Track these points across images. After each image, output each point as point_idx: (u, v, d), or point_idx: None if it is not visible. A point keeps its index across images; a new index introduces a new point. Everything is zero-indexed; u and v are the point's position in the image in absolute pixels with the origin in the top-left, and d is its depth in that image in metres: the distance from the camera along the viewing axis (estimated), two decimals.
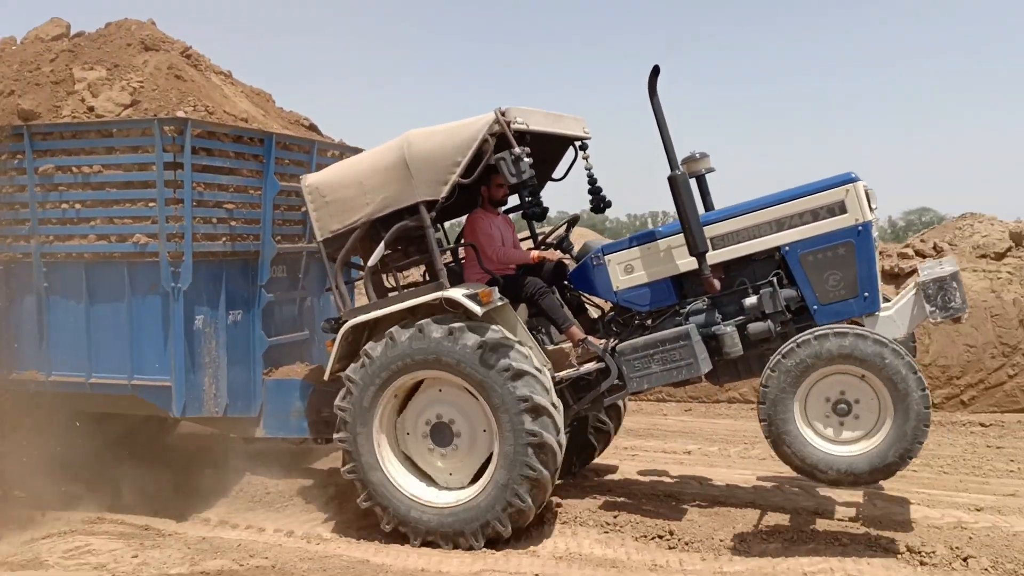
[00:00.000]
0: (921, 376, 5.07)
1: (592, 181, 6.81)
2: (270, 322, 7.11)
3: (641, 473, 7.51)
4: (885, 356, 5.07)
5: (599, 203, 6.78)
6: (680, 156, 5.97)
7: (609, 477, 7.45)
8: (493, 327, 5.78)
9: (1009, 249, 10.31)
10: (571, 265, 6.69)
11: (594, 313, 6.80)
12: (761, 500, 6.56)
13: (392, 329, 5.92)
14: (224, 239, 6.55)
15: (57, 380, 6.62)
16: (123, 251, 6.36)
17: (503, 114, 5.74)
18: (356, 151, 8.25)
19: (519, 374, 5.63)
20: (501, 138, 5.75)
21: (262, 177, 6.87)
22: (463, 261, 6.75)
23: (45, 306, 6.60)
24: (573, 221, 6.90)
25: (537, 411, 5.61)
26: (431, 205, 5.93)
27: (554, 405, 5.70)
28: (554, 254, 6.53)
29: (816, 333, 5.27)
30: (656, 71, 5.74)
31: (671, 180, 5.76)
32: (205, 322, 6.47)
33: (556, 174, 7.20)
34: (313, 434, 7.05)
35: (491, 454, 5.90)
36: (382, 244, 6.17)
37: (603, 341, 6.17)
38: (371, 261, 6.20)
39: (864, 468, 5.23)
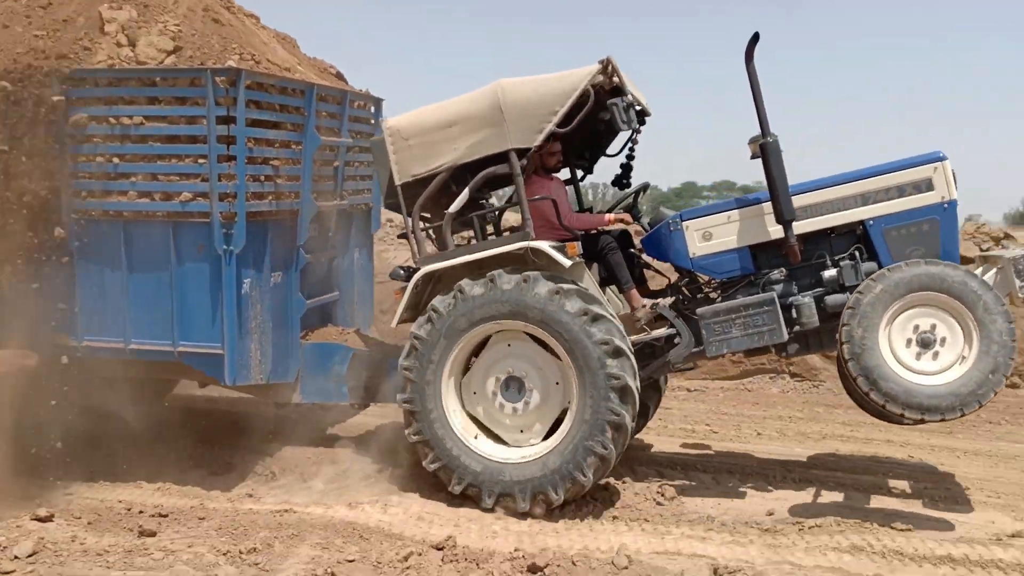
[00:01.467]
0: (1007, 308, 5.25)
1: (632, 156, 6.86)
2: (304, 284, 6.84)
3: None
4: (962, 280, 5.27)
5: (626, 178, 6.84)
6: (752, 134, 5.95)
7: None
8: (566, 276, 5.79)
9: None
10: (636, 236, 6.66)
11: (653, 286, 6.79)
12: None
13: (461, 283, 5.86)
14: (270, 198, 6.22)
15: (91, 345, 6.21)
16: (169, 210, 5.95)
17: (608, 65, 5.75)
18: (379, 101, 7.95)
19: (597, 317, 5.67)
20: (604, 90, 5.83)
21: (302, 131, 6.51)
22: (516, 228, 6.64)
23: (76, 267, 6.14)
24: (643, 188, 6.81)
25: (617, 353, 5.64)
26: (521, 154, 5.87)
27: (631, 350, 5.74)
28: (627, 217, 6.44)
29: (890, 267, 5.49)
30: (755, 38, 5.71)
31: (763, 147, 5.77)
32: (252, 285, 6.17)
33: (611, 149, 7.14)
34: (353, 399, 6.94)
35: (564, 409, 5.90)
36: (466, 191, 6.11)
37: (662, 305, 6.17)
38: (453, 207, 6.11)
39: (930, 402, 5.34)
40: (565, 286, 5.69)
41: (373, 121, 7.88)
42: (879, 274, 5.47)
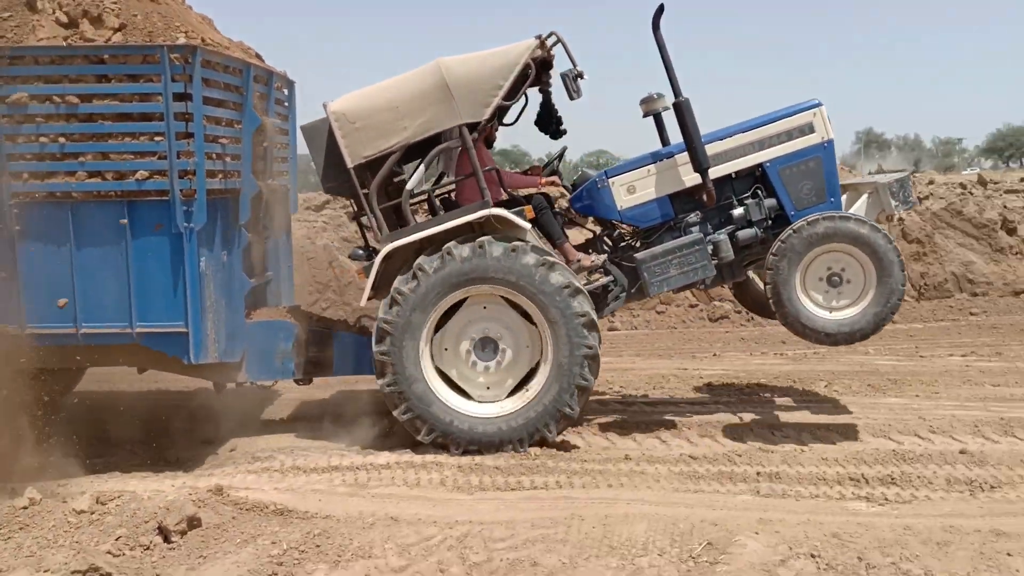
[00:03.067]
0: (896, 247, 6.28)
1: (548, 106, 7.20)
2: (244, 264, 6.92)
3: None
4: (866, 232, 6.20)
5: (557, 127, 7.23)
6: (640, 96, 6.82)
7: None
8: (545, 247, 6.28)
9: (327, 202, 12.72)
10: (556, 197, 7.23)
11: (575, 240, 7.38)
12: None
13: (449, 244, 6.25)
14: (220, 176, 6.30)
15: (36, 333, 6.05)
16: (123, 189, 5.91)
17: (545, 40, 6.32)
18: (292, 83, 8.07)
19: (576, 291, 6.22)
20: (539, 63, 6.39)
21: (241, 111, 6.60)
22: (447, 196, 7.05)
23: (18, 252, 5.96)
24: (562, 153, 7.38)
25: (592, 325, 6.22)
26: (472, 127, 6.28)
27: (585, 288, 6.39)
28: (556, 179, 7.00)
29: (808, 219, 6.30)
30: (661, 8, 6.48)
31: (677, 106, 6.55)
32: (206, 264, 6.23)
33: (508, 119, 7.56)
34: (299, 375, 7.09)
35: (530, 369, 6.43)
36: (422, 167, 6.52)
37: (598, 256, 6.82)
38: (411, 184, 6.46)
39: (847, 331, 6.32)
40: (548, 259, 6.23)
41: (287, 104, 7.98)
42: (797, 225, 6.30)
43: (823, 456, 6.03)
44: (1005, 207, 12.94)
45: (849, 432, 6.60)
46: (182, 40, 5.99)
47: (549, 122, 7.24)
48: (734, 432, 6.73)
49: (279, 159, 7.74)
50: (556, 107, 7.19)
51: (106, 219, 6.00)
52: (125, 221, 5.95)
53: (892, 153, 57.49)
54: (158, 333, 6.12)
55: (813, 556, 4.37)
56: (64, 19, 5.96)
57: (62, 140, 5.87)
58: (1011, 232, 12.64)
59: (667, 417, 7.17)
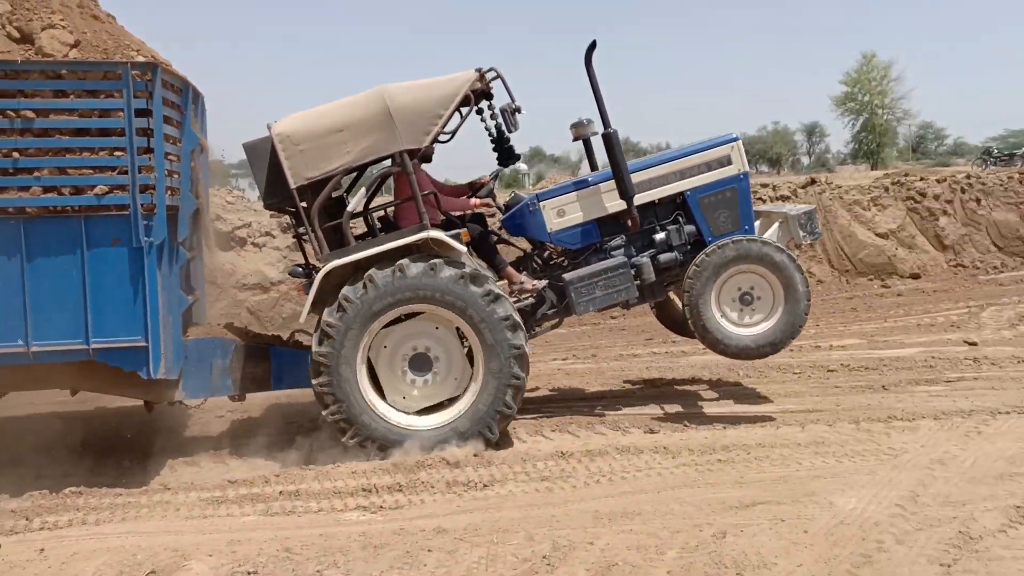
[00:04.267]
0: (801, 268, 7.15)
1: (500, 133, 7.58)
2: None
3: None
4: (772, 253, 7.01)
5: (509, 155, 7.67)
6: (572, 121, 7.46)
7: None
8: (489, 276, 6.72)
9: None
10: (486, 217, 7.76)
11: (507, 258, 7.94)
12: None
13: (370, 271, 6.55)
14: (169, 192, 6.43)
15: None
16: (81, 204, 5.94)
17: (485, 74, 6.76)
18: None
19: (497, 297, 6.65)
20: (478, 94, 6.81)
21: (181, 129, 6.77)
22: (385, 215, 7.45)
23: None
24: (496, 175, 7.91)
25: (516, 327, 6.68)
26: (412, 154, 6.68)
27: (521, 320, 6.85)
28: (490, 201, 7.52)
29: (719, 244, 7.06)
30: (593, 45, 7.14)
31: (606, 136, 7.21)
32: (160, 279, 6.32)
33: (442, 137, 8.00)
34: (237, 391, 7.22)
35: (454, 396, 6.79)
36: (363, 190, 6.81)
37: (535, 280, 7.37)
38: (352, 206, 6.77)
39: (761, 344, 7.08)
40: (467, 271, 6.56)
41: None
42: (711, 249, 7.03)
43: (353, 471, 6.27)
44: None
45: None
46: (139, 58, 6.12)
47: (502, 150, 7.59)
48: (276, 455, 6.95)
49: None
50: (508, 135, 7.49)
51: (61, 234, 5.99)
52: (119, 240, 5.98)
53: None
54: (116, 348, 6.14)
55: (250, 573, 4.56)
56: (16, 34, 5.93)
57: (16, 155, 5.83)
58: None
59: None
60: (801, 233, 7.42)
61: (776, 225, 7.64)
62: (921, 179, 16.13)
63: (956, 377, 8.26)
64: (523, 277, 7.37)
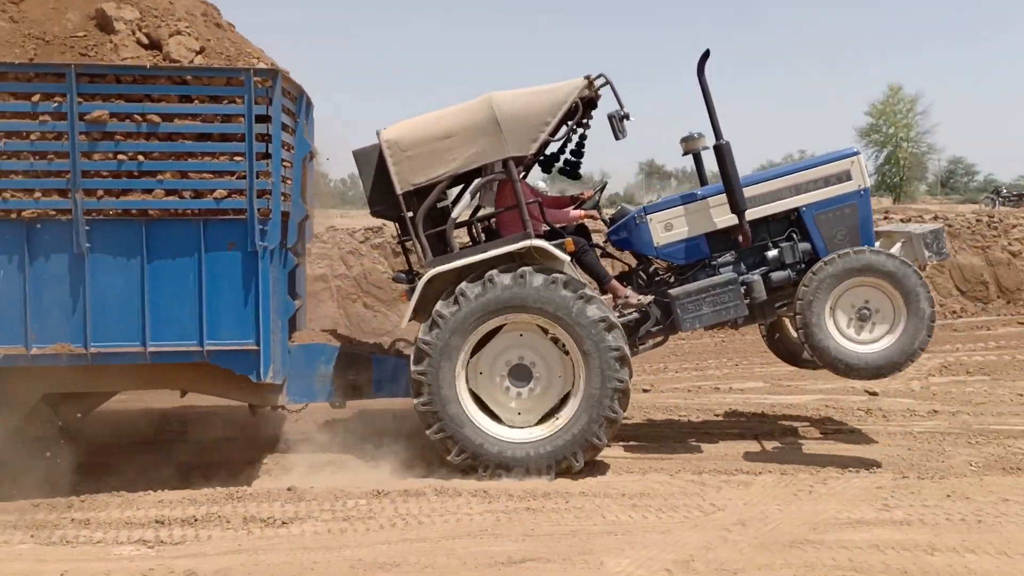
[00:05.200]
0: (928, 285, 6.75)
1: (579, 150, 7.67)
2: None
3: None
4: (899, 267, 6.63)
5: (576, 169, 7.69)
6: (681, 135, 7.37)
7: None
8: (581, 280, 6.63)
9: None
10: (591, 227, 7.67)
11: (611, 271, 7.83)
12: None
13: (460, 285, 6.56)
14: (283, 198, 6.51)
15: (100, 352, 6.08)
16: (200, 207, 6.05)
17: (594, 80, 6.75)
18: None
19: (612, 326, 6.57)
20: (586, 102, 6.84)
21: (294, 136, 6.85)
22: (488, 225, 7.44)
23: (87, 269, 5.99)
24: (603, 187, 7.84)
25: (624, 360, 6.57)
26: (517, 162, 6.67)
27: (619, 322, 6.73)
28: (594, 214, 7.43)
29: (839, 253, 6.71)
30: (706, 54, 6.98)
31: (718, 148, 7.03)
32: (272, 284, 6.39)
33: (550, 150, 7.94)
34: (337, 398, 7.25)
35: (562, 398, 6.73)
36: (467, 196, 6.82)
37: (640, 295, 7.22)
38: (456, 213, 6.80)
39: (877, 364, 6.69)
40: (586, 292, 6.51)
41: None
42: (829, 258, 6.73)
43: (160, 499, 6.17)
44: None
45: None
46: (260, 65, 6.22)
47: (575, 163, 7.66)
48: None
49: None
50: (584, 151, 7.59)
51: (180, 237, 6.13)
52: (235, 244, 6.11)
53: (672, 184, 59.93)
54: (229, 351, 6.23)
55: None
56: (145, 40, 6.10)
57: (140, 158, 5.97)
58: None
59: None
60: (927, 253, 7.08)
61: (899, 244, 7.28)
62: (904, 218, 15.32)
63: (834, 429, 7.94)
64: (628, 291, 7.25)
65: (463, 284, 6.58)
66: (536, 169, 7.92)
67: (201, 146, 6.05)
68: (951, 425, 8.01)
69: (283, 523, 5.68)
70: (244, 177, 6.07)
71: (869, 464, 6.84)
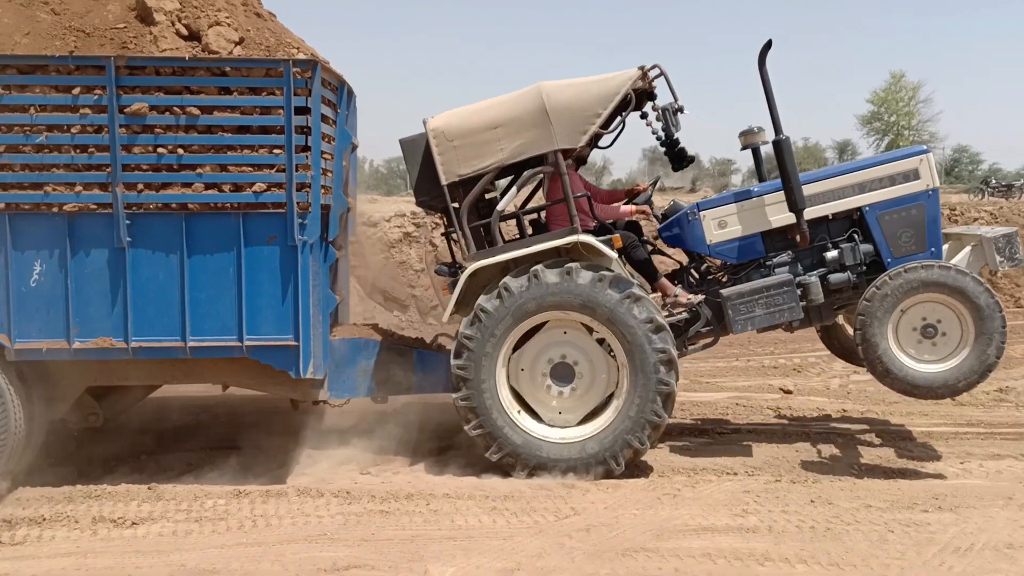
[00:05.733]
0: (999, 302, 6.40)
1: (668, 135, 7.10)
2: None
3: None
4: (968, 284, 6.28)
5: (681, 157, 7.21)
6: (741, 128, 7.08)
7: None
8: (632, 279, 6.44)
9: None
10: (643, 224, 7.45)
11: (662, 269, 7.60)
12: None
13: (537, 267, 6.39)
14: (323, 191, 6.41)
15: (140, 346, 6.05)
16: (239, 201, 5.99)
17: (648, 71, 6.52)
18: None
19: (659, 328, 6.35)
20: (640, 94, 6.57)
21: (335, 127, 6.74)
22: (535, 219, 7.26)
23: (128, 263, 5.96)
24: (655, 183, 7.61)
25: (671, 364, 6.36)
26: (567, 153, 6.47)
27: (668, 324, 6.50)
28: (647, 209, 7.20)
29: (906, 267, 6.37)
30: (768, 45, 6.67)
31: (777, 143, 6.72)
32: (311, 279, 6.29)
33: (604, 142, 7.74)
34: (379, 392, 7.16)
35: (606, 398, 6.55)
36: (514, 189, 6.74)
37: (690, 295, 6.97)
38: (502, 205, 6.67)
39: (936, 384, 6.37)
40: (635, 292, 6.30)
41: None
42: (895, 271, 6.37)
43: (18, 497, 5.99)
44: None
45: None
46: (300, 55, 6.11)
47: (672, 153, 7.16)
48: None
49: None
50: (674, 137, 7.05)
51: (220, 231, 6.06)
52: (274, 238, 6.05)
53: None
54: (268, 346, 6.17)
55: None
56: (184, 31, 6.03)
57: (180, 151, 5.91)
58: None
59: None
60: (998, 258, 6.65)
61: (968, 248, 6.89)
62: None
63: (732, 429, 7.59)
64: (678, 290, 7.01)
65: (507, 278, 6.44)
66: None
67: (240, 139, 5.96)
68: (855, 425, 7.79)
69: (133, 523, 5.55)
70: (283, 170, 5.98)
71: (751, 466, 6.60)
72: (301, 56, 6.12)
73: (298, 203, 6.02)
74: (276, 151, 5.98)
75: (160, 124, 5.89)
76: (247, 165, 5.99)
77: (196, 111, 5.89)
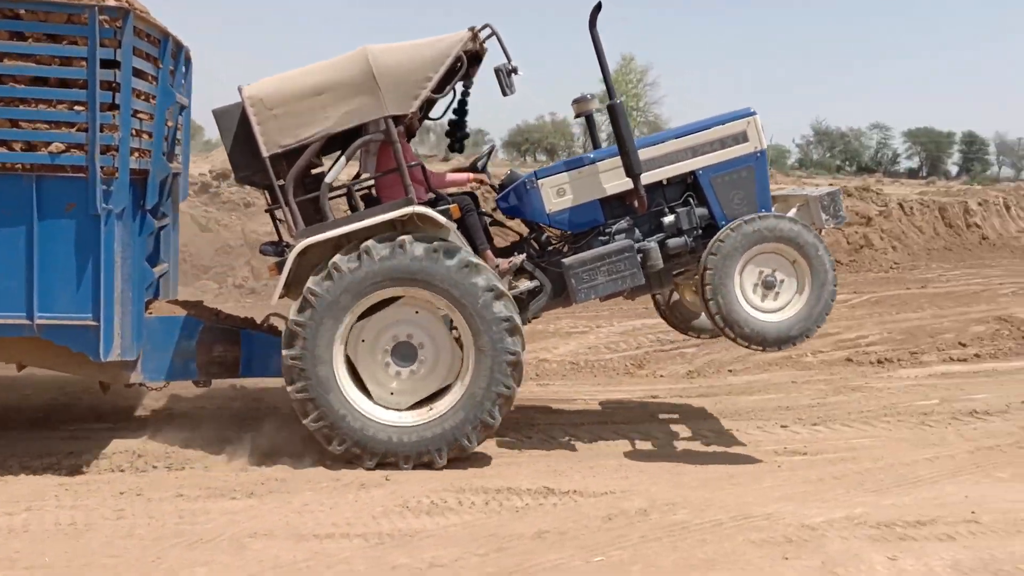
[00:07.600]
0: (830, 254, 6.55)
1: (465, 113, 7.20)
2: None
3: None
4: (802, 232, 6.42)
5: (462, 138, 7.24)
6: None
7: None
8: (466, 248, 6.25)
9: None
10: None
11: (500, 243, 7.37)
12: None
13: (333, 259, 6.07)
14: (137, 155, 5.84)
15: None
16: (32, 162, 5.35)
17: (478, 32, 6.30)
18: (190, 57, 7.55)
19: (500, 295, 6.18)
20: (471, 56, 6.36)
21: (156, 85, 6.16)
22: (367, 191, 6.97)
23: None
24: (492, 150, 7.36)
25: (515, 331, 6.21)
26: (398, 120, 6.19)
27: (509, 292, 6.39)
28: (484, 178, 6.99)
29: (744, 219, 6.44)
30: (598, 7, 6.55)
31: (611, 108, 6.65)
32: (118, 252, 5.74)
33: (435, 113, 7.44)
34: (202, 375, 6.70)
35: (444, 386, 6.32)
36: (343, 159, 6.37)
37: (516, 257, 6.81)
38: (330, 177, 6.34)
39: (783, 333, 6.46)
40: (473, 261, 6.11)
41: (185, 80, 7.48)
42: (735, 224, 6.43)
43: None
44: None
45: None
46: (110, 2, 5.49)
47: (458, 127, 7.20)
48: None
49: (179, 141, 7.25)
50: (468, 111, 7.12)
51: (8, 195, 5.44)
52: (73, 205, 5.42)
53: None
54: (64, 326, 5.58)
55: None
56: None
57: None
58: None
59: None
60: (824, 216, 6.85)
61: (795, 209, 7.10)
62: None
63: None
64: (499, 260, 6.78)
65: (336, 257, 6.07)
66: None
67: (35, 91, 5.34)
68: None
69: None
70: (85, 130, 5.38)
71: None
72: (111, 2, 5.48)
73: (102, 167, 5.45)
74: (77, 108, 5.38)
75: None
76: (43, 122, 5.37)
77: None
